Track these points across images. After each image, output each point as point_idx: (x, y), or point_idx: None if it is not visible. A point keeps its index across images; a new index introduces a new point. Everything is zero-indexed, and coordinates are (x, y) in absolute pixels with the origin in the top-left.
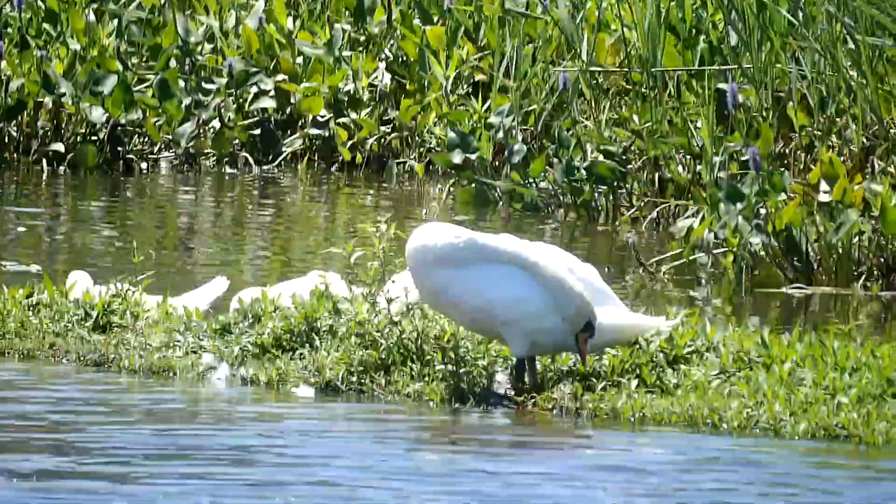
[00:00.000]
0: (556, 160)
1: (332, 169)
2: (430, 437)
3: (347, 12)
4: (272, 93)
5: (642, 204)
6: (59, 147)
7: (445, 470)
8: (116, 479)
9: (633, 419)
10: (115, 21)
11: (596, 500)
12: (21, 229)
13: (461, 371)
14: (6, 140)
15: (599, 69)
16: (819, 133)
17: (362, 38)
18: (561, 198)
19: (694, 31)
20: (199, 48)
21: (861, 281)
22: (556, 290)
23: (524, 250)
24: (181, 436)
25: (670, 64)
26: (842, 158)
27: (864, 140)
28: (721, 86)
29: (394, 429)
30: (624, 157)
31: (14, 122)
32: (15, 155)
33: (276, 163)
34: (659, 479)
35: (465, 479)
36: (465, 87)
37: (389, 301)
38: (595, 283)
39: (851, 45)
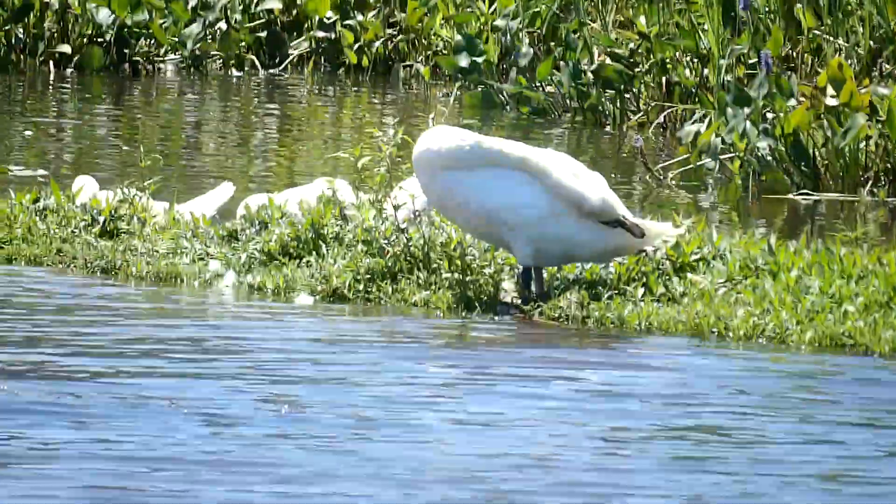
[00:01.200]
0: (562, 63)
1: (339, 72)
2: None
3: None
4: None
5: (649, 108)
6: (66, 49)
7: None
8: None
9: (639, 327)
10: None
11: None
12: (28, 133)
13: (468, 279)
14: (13, 41)
15: None
16: (827, 36)
17: None
18: (568, 101)
19: None
20: None
21: (868, 186)
22: (562, 195)
23: (530, 155)
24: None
25: None
26: (849, 61)
27: (872, 43)
28: None
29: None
30: (631, 61)
31: (21, 23)
32: (22, 56)
33: (283, 66)
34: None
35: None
36: None
37: (396, 208)
38: (601, 188)
39: None
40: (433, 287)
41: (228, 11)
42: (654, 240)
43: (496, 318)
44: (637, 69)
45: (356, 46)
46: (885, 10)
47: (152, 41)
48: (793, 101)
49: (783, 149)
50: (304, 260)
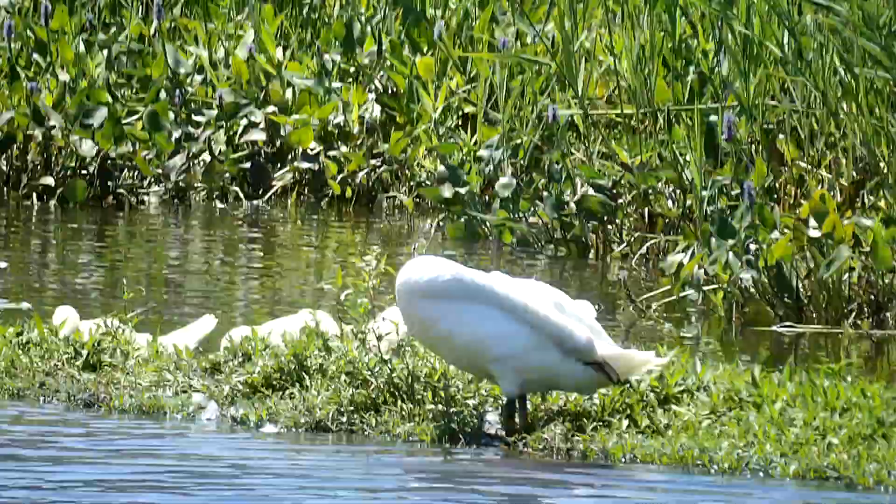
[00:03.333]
0: (545, 194)
1: (322, 203)
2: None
3: (337, 42)
4: (262, 125)
5: (632, 239)
6: (49, 181)
7: None
8: None
9: (623, 460)
10: (105, 52)
11: None
12: (8, 266)
13: (452, 411)
14: None
15: (595, 112)
16: (809, 167)
17: (352, 70)
18: (551, 232)
19: (684, 61)
20: (189, 79)
21: (851, 318)
22: (546, 332)
23: (513, 293)
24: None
25: (661, 96)
26: (832, 193)
27: (855, 174)
28: (712, 118)
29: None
30: (613, 192)
31: (3, 155)
32: (5, 189)
33: (267, 197)
34: None
35: None
36: (454, 118)
37: (379, 338)
38: (586, 320)
39: (843, 76)
40: (417, 418)
41: (212, 143)
42: (638, 369)
43: (480, 449)
44: (620, 200)
45: (339, 177)
46: (870, 141)
47: (136, 173)
48: (776, 233)
49: (766, 280)
50: (287, 392)
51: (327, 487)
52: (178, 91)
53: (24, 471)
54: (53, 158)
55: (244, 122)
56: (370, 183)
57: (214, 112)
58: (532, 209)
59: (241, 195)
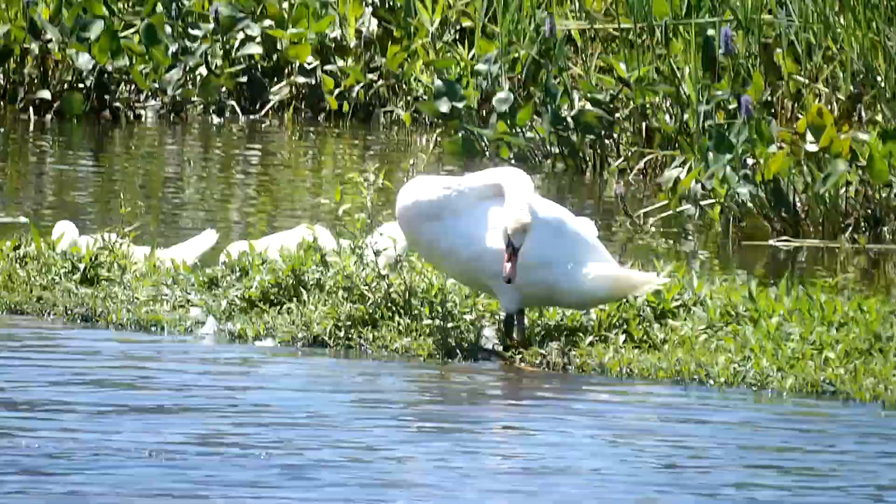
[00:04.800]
0: (542, 109)
1: (319, 118)
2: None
3: None
4: (259, 39)
5: (629, 154)
6: (46, 94)
7: None
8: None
9: (619, 374)
10: None
11: None
12: (7, 179)
13: (449, 326)
14: None
15: (593, 24)
16: (806, 81)
17: None
18: (548, 147)
19: None
20: None
21: (848, 233)
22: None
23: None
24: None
25: (659, 9)
26: (829, 107)
27: (852, 88)
28: (709, 32)
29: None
30: (611, 106)
31: (0, 69)
32: (1, 103)
33: (263, 111)
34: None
35: None
36: (451, 33)
37: (377, 253)
38: (587, 237)
39: None
40: (414, 333)
41: (209, 57)
42: (639, 289)
43: (477, 364)
44: (617, 115)
45: (336, 92)
46: (867, 55)
47: (132, 87)
48: (773, 147)
49: (763, 195)
50: (285, 306)
51: (326, 395)
52: (174, 4)
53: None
54: (50, 72)
55: (241, 35)
56: (367, 97)
57: (211, 26)
58: (529, 124)
59: (238, 109)
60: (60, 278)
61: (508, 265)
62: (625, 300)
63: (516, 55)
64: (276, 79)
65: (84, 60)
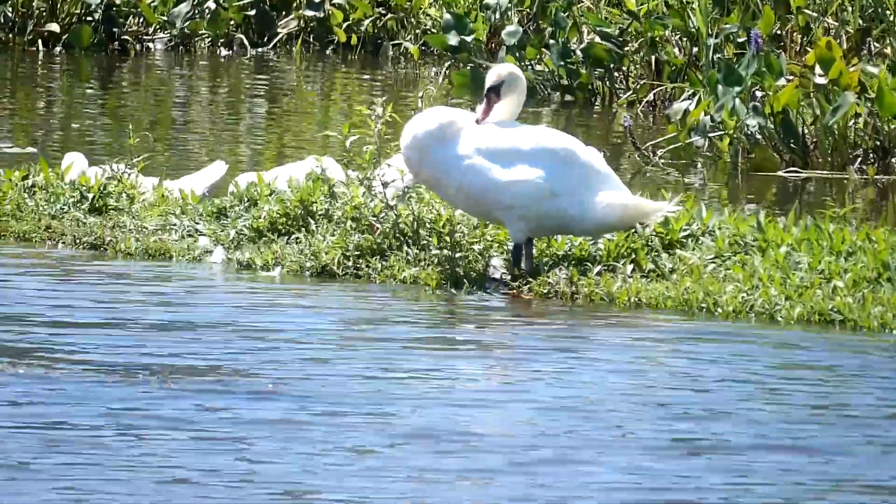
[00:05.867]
0: (551, 42)
1: (327, 51)
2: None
3: None
4: None
5: (638, 87)
6: (55, 27)
7: None
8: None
9: (628, 303)
10: None
11: None
12: (16, 110)
13: (457, 256)
14: (2, 21)
15: None
16: (815, 14)
17: None
18: (557, 80)
19: None
20: None
21: (857, 164)
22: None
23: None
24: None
25: None
26: (838, 40)
27: (861, 21)
28: None
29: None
30: (620, 40)
31: (9, 2)
32: (10, 35)
33: (272, 44)
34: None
35: None
36: None
37: (385, 184)
38: (597, 165)
39: None
40: (422, 263)
41: None
42: (650, 217)
43: (485, 293)
44: (626, 48)
45: (345, 25)
46: None
47: (141, 20)
48: (782, 80)
49: (772, 127)
50: (294, 237)
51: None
52: None
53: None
54: (59, 5)
55: None
56: (376, 31)
57: None
58: (539, 57)
59: (246, 43)
60: (69, 207)
61: (481, 108)
62: (633, 231)
63: None
64: (284, 12)
65: None
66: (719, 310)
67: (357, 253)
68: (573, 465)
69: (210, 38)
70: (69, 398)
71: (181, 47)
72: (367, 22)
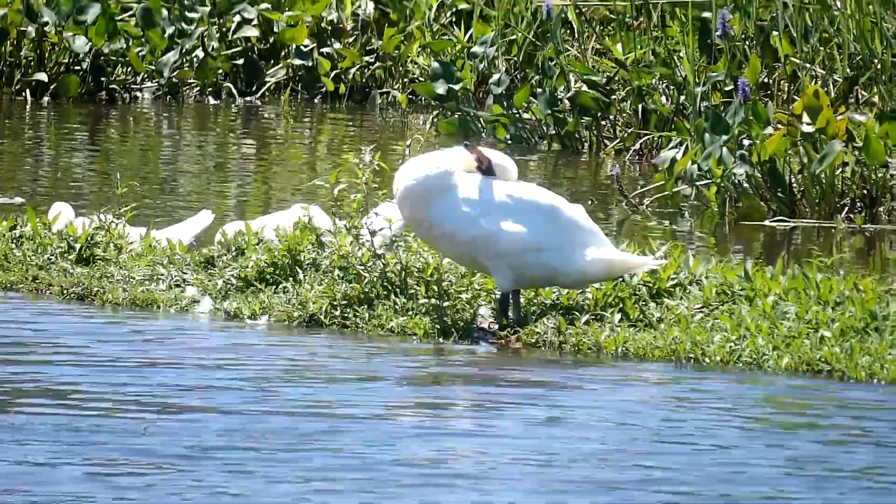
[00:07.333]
0: (539, 90)
1: (315, 99)
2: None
3: None
4: (255, 21)
5: (625, 135)
6: (42, 77)
7: None
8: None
9: (615, 353)
10: None
11: None
12: (3, 160)
13: (445, 305)
14: None
15: (589, 2)
16: (803, 63)
17: None
18: (544, 129)
19: None
20: None
21: (844, 213)
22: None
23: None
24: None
25: None
26: (825, 89)
27: (848, 70)
28: (706, 14)
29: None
30: (607, 88)
31: None
32: None
33: (260, 93)
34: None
35: None
36: (448, 15)
37: (373, 233)
38: (582, 222)
39: None
40: (410, 313)
41: (205, 39)
42: (636, 271)
43: (473, 343)
44: (613, 96)
45: (333, 74)
46: (864, 37)
47: (129, 69)
48: (769, 129)
49: (759, 175)
50: (281, 286)
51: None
52: None
53: None
54: (47, 54)
55: (237, 18)
56: (364, 79)
57: (207, 8)
58: (526, 106)
59: (235, 91)
60: (56, 258)
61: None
62: (621, 279)
63: (513, 37)
64: (272, 61)
65: (80, 43)
66: (707, 359)
67: (345, 302)
68: None
69: (198, 87)
70: None
71: (169, 96)
72: (354, 70)
